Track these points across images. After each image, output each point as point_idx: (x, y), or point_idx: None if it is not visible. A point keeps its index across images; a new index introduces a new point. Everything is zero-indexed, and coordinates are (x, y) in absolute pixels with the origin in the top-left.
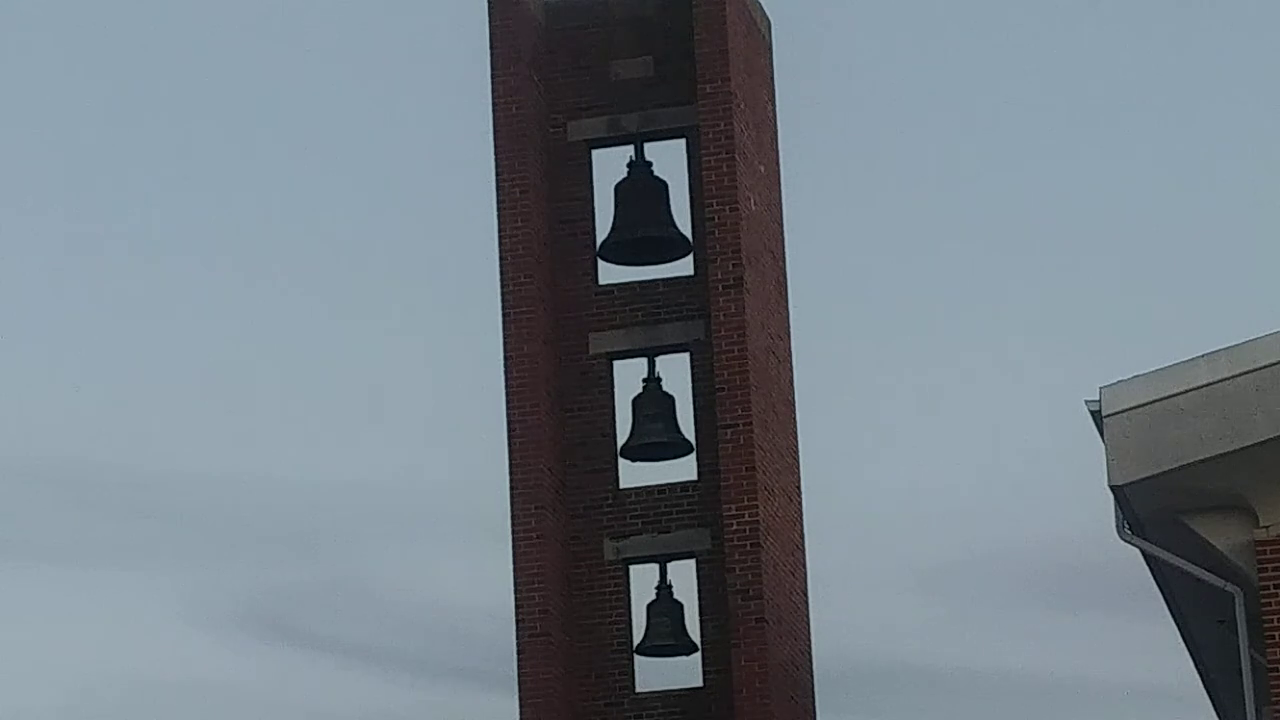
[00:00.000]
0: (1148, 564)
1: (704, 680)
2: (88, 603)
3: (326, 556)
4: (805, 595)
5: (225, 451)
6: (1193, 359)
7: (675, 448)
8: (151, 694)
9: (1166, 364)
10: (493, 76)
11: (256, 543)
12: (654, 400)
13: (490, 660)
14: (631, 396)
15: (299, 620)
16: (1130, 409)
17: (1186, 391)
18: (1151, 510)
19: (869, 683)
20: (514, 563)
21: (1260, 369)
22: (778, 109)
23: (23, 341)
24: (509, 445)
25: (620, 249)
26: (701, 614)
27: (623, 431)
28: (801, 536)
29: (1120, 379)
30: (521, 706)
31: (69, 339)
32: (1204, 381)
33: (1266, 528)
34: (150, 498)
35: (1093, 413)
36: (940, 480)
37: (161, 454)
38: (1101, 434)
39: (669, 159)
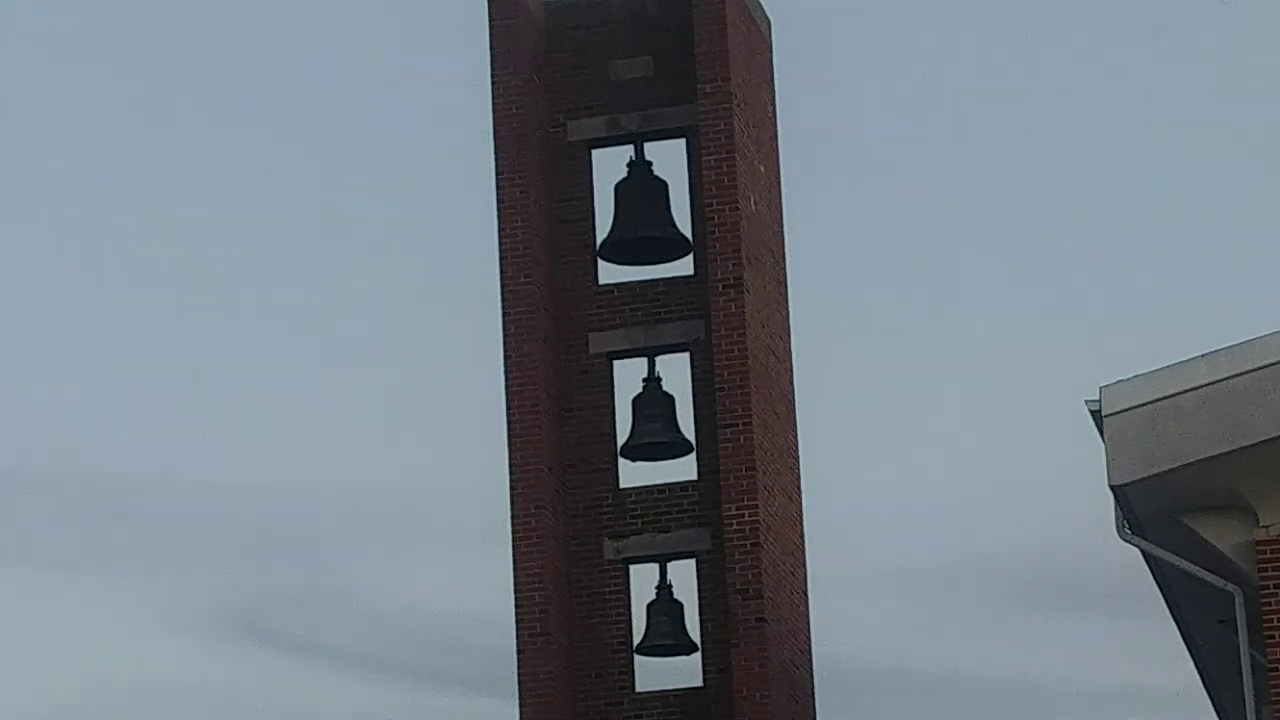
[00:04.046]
0: (1148, 564)
1: (704, 680)
2: (68, 607)
3: (314, 560)
4: (805, 595)
5: (219, 455)
6: (1193, 359)
7: (675, 447)
8: (132, 699)
9: (1166, 364)
10: (493, 76)
11: (247, 546)
12: (654, 400)
13: (477, 664)
14: (631, 396)
15: (281, 624)
16: (1130, 409)
17: (1186, 391)
18: (1151, 510)
19: (868, 685)
20: (514, 563)
21: (1260, 369)
22: (778, 109)
23: (3, 348)
24: (509, 445)
25: (620, 249)
26: (701, 614)
27: (623, 431)
28: (801, 536)
29: (1120, 379)
30: (521, 706)
31: (52, 343)
32: (1204, 381)
33: (1266, 528)
34: (132, 502)
35: (1093, 413)
36: (940, 480)
37: (144, 459)
38: (1101, 434)
39: (669, 159)
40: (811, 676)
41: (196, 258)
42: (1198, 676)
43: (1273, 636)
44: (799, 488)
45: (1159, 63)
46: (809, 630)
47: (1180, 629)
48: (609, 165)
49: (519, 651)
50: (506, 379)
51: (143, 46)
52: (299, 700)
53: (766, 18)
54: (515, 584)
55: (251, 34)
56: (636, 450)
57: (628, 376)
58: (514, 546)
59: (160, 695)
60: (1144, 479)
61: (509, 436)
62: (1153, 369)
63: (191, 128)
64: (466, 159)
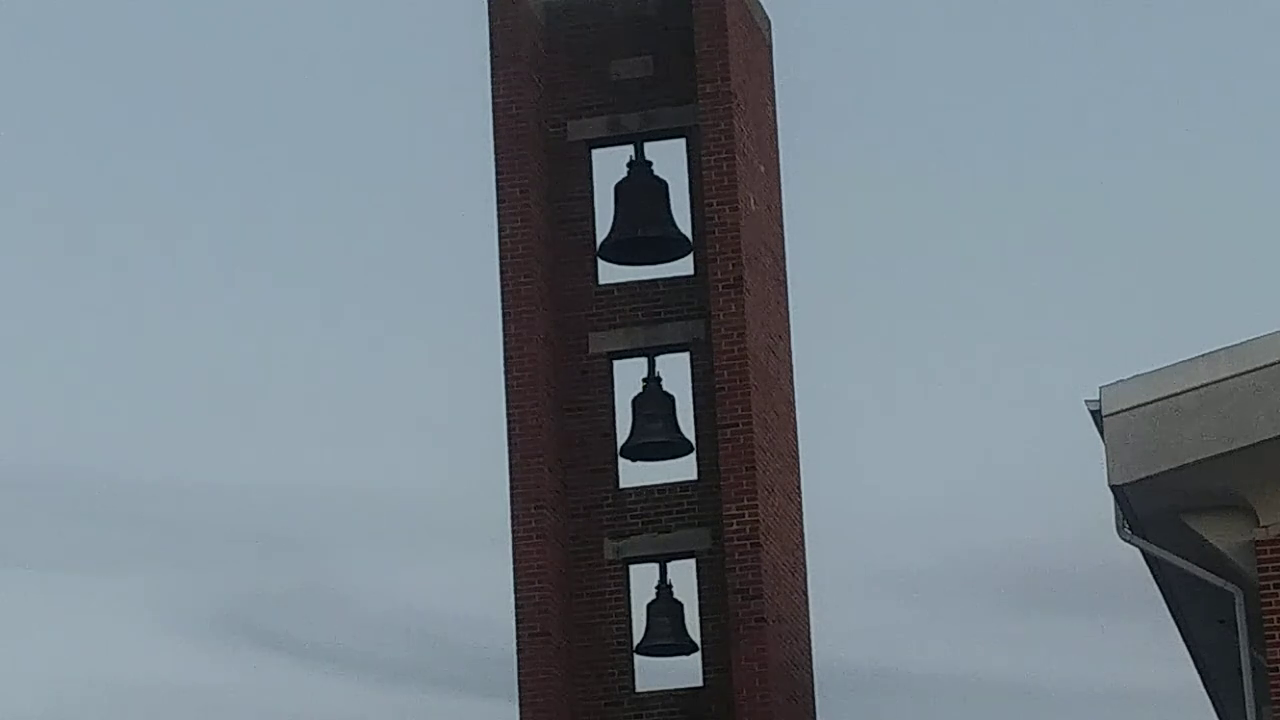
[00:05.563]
0: (1148, 564)
1: (704, 680)
2: (63, 607)
3: (312, 560)
4: (805, 595)
5: (218, 456)
6: (1193, 359)
7: (675, 447)
8: (127, 699)
9: (1166, 364)
10: (493, 76)
11: (245, 547)
12: (654, 400)
13: (477, 665)
14: (631, 396)
15: (279, 625)
16: (1130, 409)
17: (1186, 391)
18: (1151, 510)
19: (868, 686)
20: (514, 562)
21: (1260, 369)
22: (778, 109)
23: (3, 348)
24: (509, 445)
25: (620, 249)
26: (701, 614)
27: (623, 431)
28: (801, 536)
29: (1120, 379)
30: (521, 706)
31: (52, 343)
32: (1204, 381)
33: (1266, 528)
34: (130, 503)
35: (1093, 413)
36: (940, 480)
37: (143, 459)
38: (1101, 434)
39: (669, 159)
40: (811, 676)
41: (196, 258)
42: (1198, 676)
43: (1273, 636)
44: (799, 488)
45: (1160, 63)
46: (809, 630)
47: (1180, 629)
48: (609, 165)
49: (519, 651)
50: (506, 379)
51: (145, 46)
52: (296, 701)
53: (766, 18)
54: (515, 584)
55: (252, 34)
56: (636, 450)
57: (628, 376)
58: (514, 546)
59: (158, 695)
60: (1144, 479)
61: (509, 436)
62: (1153, 369)
63: (190, 128)
64: (466, 159)
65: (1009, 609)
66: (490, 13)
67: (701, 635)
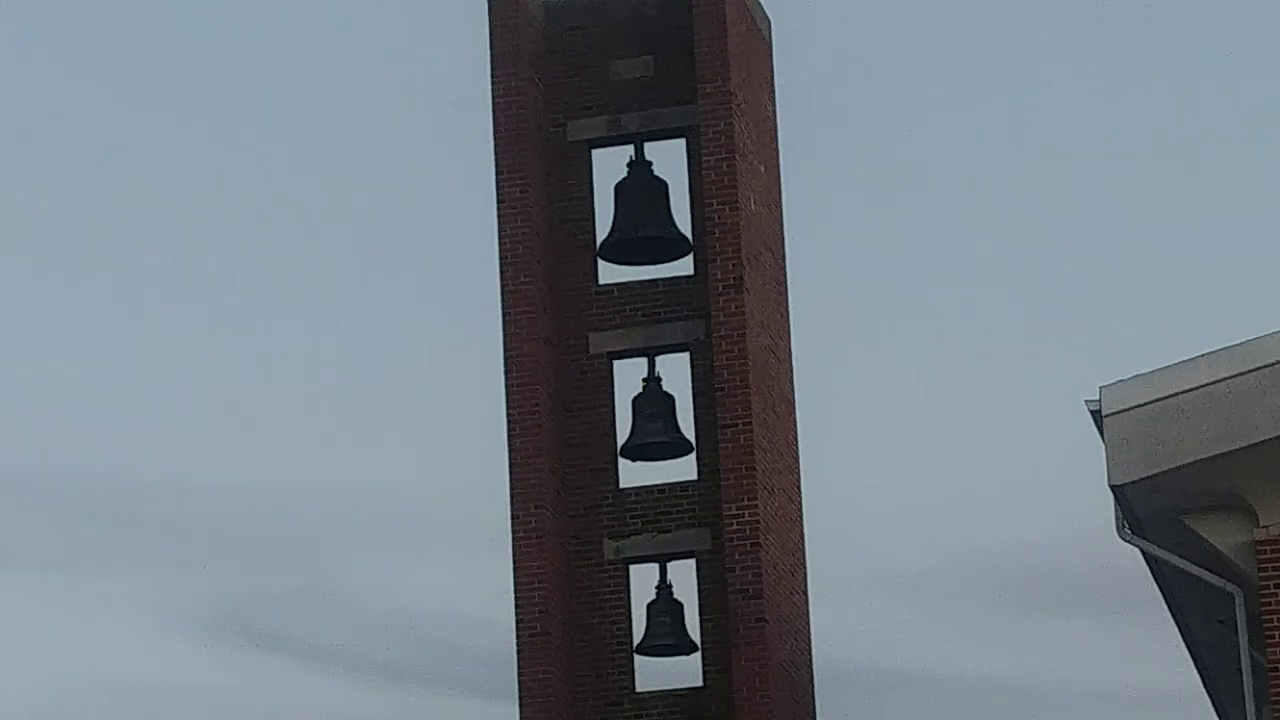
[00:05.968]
0: (1148, 564)
1: (704, 680)
2: (63, 607)
3: (311, 561)
4: (805, 595)
5: (217, 456)
6: (1193, 359)
7: (675, 447)
8: (127, 699)
9: (1166, 364)
10: (493, 76)
11: (244, 547)
12: (654, 400)
13: (477, 666)
14: (631, 396)
15: (278, 625)
16: (1130, 409)
17: (1186, 391)
18: (1151, 510)
19: (868, 685)
20: (514, 562)
21: (1260, 369)
22: (778, 109)
23: (3, 349)
24: (509, 445)
25: (620, 249)
26: (701, 614)
27: (623, 431)
28: (801, 536)
29: (1120, 379)
30: (521, 706)
31: (51, 344)
32: (1204, 381)
33: (1266, 528)
34: (129, 503)
35: (1093, 413)
36: (939, 480)
37: (143, 460)
38: (1101, 434)
39: (669, 159)
40: (811, 676)
41: (196, 258)
42: (1198, 676)
43: (1273, 636)
44: (799, 488)
45: (1159, 62)
46: (809, 630)
47: (1180, 629)
48: (609, 165)
49: (519, 651)
50: (506, 379)
51: (145, 46)
52: (296, 701)
53: (766, 18)
54: (515, 584)
55: (252, 34)
56: (636, 450)
57: (628, 376)
58: (514, 546)
59: (158, 695)
60: (1144, 479)
61: (509, 436)
62: (1153, 369)
63: (190, 128)
64: (466, 159)
65: (1009, 609)
66: (490, 13)
67: (701, 635)
